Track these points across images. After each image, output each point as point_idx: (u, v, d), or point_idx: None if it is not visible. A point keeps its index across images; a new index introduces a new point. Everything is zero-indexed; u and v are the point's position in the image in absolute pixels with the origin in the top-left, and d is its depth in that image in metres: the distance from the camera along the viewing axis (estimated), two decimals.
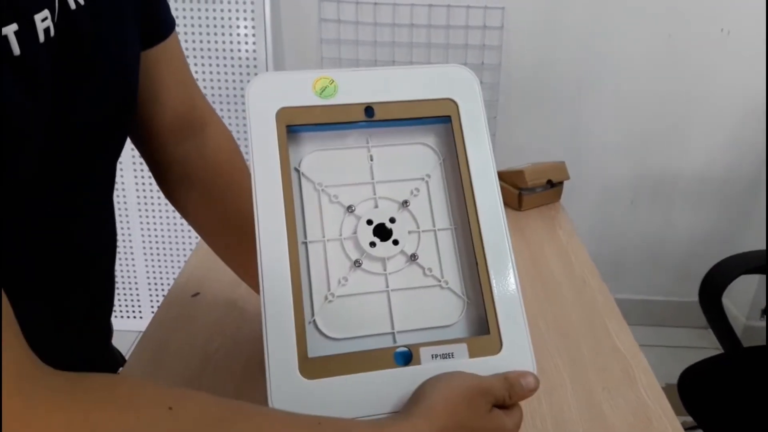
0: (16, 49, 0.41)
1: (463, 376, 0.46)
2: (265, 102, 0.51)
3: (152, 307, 2.00)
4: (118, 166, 0.70)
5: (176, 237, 1.91)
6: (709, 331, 1.29)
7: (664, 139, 1.91)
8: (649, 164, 1.95)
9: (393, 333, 0.49)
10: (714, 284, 1.16)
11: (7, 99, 0.41)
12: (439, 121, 0.54)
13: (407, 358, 0.47)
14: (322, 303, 0.49)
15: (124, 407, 0.36)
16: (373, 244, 0.51)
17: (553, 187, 1.12)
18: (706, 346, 2.00)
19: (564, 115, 1.89)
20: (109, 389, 0.37)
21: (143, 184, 1.80)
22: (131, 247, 1.94)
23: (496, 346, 0.48)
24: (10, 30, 0.41)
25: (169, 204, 0.73)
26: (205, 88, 1.74)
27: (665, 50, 1.79)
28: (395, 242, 0.51)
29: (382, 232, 0.51)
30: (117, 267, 0.71)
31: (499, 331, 0.48)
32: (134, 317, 2.01)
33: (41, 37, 0.44)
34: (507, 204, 1.07)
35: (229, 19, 1.70)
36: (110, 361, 0.74)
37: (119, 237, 1.88)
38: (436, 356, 0.47)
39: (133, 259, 1.95)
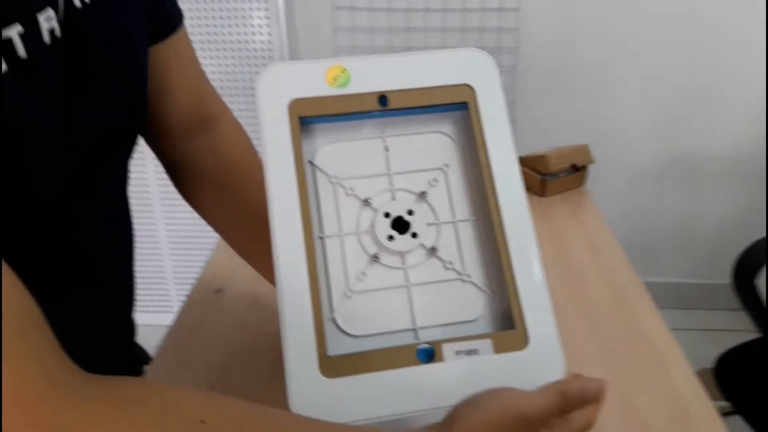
0: (21, 52, 0.40)
1: (503, 397, 0.43)
2: (277, 93, 0.49)
3: (180, 301, 2.01)
4: (141, 160, 0.69)
5: (202, 229, 1.91)
6: (743, 314, 1.25)
7: (691, 119, 1.86)
8: (677, 145, 1.89)
9: (415, 329, 0.47)
10: (747, 267, 1.12)
11: (16, 104, 0.40)
12: (456, 108, 0.52)
13: (430, 355, 0.45)
14: (340, 299, 0.48)
15: (156, 423, 0.35)
16: (391, 238, 0.49)
17: (577, 171, 1.09)
18: (740, 329, 1.95)
19: (586, 97, 1.84)
20: (142, 402, 0.36)
21: (166, 177, 1.79)
22: (156, 242, 1.94)
23: (523, 341, 0.46)
24: (14, 32, 0.40)
25: None
26: (219, 81, 1.73)
27: (690, 26, 1.73)
28: (414, 235, 0.49)
29: (400, 225, 0.50)
30: (142, 262, 0.71)
31: (525, 326, 0.46)
32: (163, 311, 2.02)
33: (46, 38, 0.42)
34: (530, 190, 1.04)
35: (243, 10, 1.69)
36: (134, 359, 0.74)
37: (144, 231, 1.90)
38: (461, 353, 0.46)
39: (158, 254, 1.96)
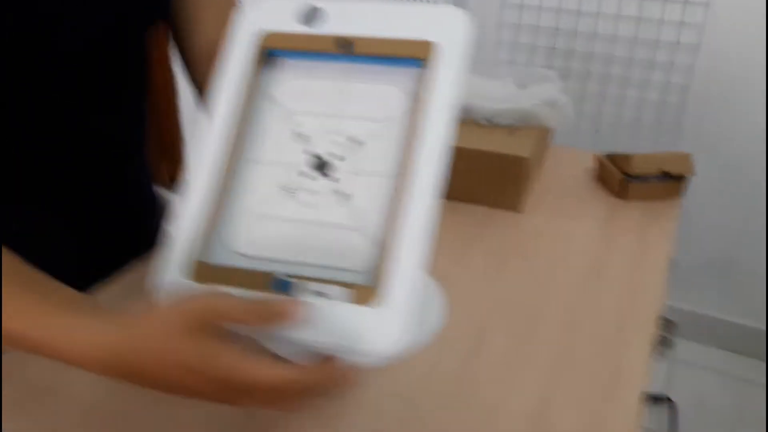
0: None
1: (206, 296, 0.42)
2: (249, 24, 0.53)
3: None
4: None
5: None
6: None
7: None
8: None
9: (291, 262, 0.48)
10: None
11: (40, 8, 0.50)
12: (416, 63, 0.50)
13: (285, 287, 0.46)
14: (240, 216, 0.50)
15: None
16: (310, 177, 0.50)
17: (672, 180, 0.91)
18: None
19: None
20: None
21: None
22: None
23: (376, 299, 0.44)
24: None
25: None
26: None
27: None
28: (330, 179, 0.50)
29: (323, 167, 0.50)
30: None
31: (386, 285, 0.44)
32: None
33: None
34: (609, 189, 0.92)
35: None
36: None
37: None
38: (313, 293, 0.45)
39: None
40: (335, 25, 0.52)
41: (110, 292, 0.69)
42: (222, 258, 0.49)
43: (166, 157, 1.43)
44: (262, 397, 0.40)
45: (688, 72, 1.54)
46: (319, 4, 0.52)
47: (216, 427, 0.54)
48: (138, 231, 0.78)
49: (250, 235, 0.50)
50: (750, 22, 1.47)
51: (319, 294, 0.45)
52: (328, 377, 0.42)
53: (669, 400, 1.60)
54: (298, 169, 0.50)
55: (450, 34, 0.49)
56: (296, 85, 0.54)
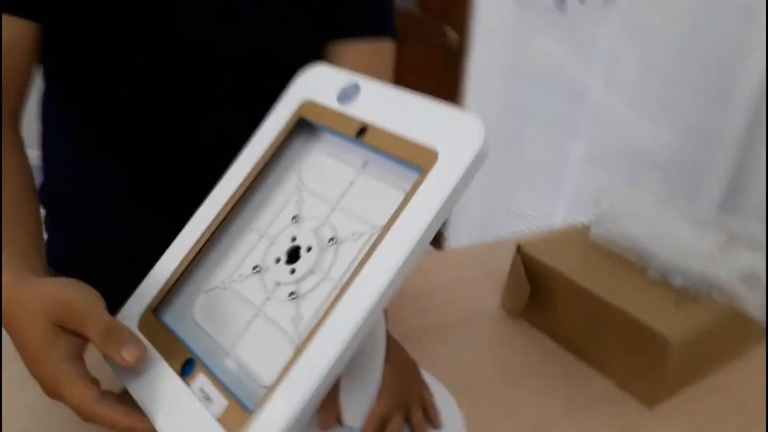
0: None
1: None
2: (300, 90, 0.51)
3: None
4: None
5: None
6: None
7: None
8: None
9: (220, 347, 0.43)
10: None
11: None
12: (416, 170, 0.41)
13: (187, 373, 0.41)
14: (213, 282, 0.47)
15: None
16: (278, 260, 0.45)
17: None
18: None
19: None
20: None
21: None
22: None
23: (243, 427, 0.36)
24: None
25: None
26: None
27: None
28: (292, 271, 0.43)
29: (295, 257, 0.44)
30: None
31: (260, 421, 0.36)
32: None
33: None
34: None
35: None
36: None
37: None
38: (199, 391, 0.39)
39: None
40: (362, 108, 0.46)
41: None
42: (169, 315, 0.46)
43: None
44: (73, 407, 0.42)
45: None
46: (361, 83, 0.47)
47: None
48: None
49: (209, 305, 0.46)
50: None
51: (205, 397, 0.39)
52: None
53: None
54: (278, 253, 0.45)
55: (456, 144, 0.40)
56: (319, 161, 0.49)
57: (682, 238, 0.75)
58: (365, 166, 0.46)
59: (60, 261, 0.71)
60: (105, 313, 0.43)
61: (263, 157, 0.49)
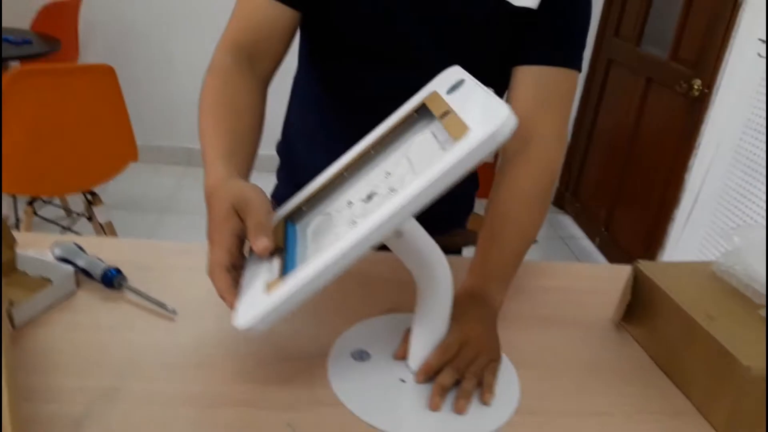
0: None
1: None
2: (434, 84, 0.68)
3: None
4: None
5: None
6: None
7: None
8: None
9: (306, 256, 0.61)
10: None
11: None
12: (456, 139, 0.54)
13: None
14: (328, 209, 0.66)
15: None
16: (361, 200, 0.61)
17: None
18: None
19: None
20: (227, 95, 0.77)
21: None
22: None
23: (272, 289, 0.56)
24: None
25: None
26: None
27: None
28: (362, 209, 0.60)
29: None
30: None
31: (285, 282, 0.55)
32: None
33: None
34: None
35: None
36: None
37: None
38: (267, 271, 0.58)
39: None
40: (455, 99, 0.60)
41: None
42: (298, 224, 0.67)
43: None
44: (209, 261, 0.61)
45: None
46: (466, 80, 0.62)
47: None
48: (446, 207, 1.03)
49: (318, 222, 0.65)
50: None
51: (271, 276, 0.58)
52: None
53: None
54: (362, 195, 0.62)
55: (485, 126, 0.51)
56: (423, 135, 0.64)
57: None
58: (444, 144, 0.60)
59: (281, 201, 0.98)
60: (263, 212, 0.61)
61: (393, 127, 0.66)
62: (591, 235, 3.09)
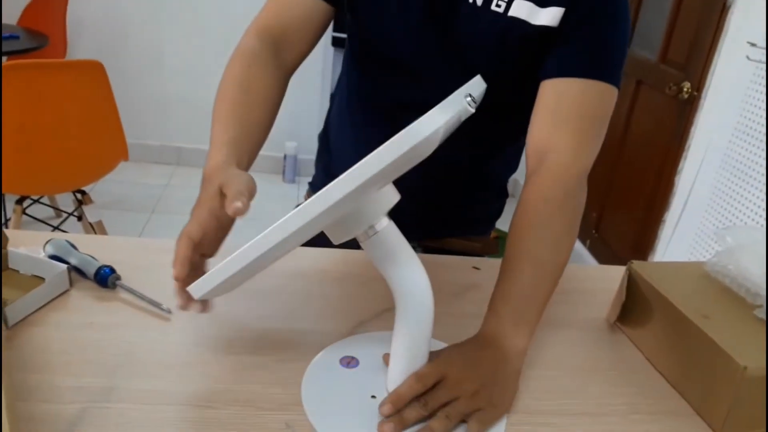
0: None
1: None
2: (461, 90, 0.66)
3: None
4: None
5: None
6: None
7: None
8: None
9: None
10: None
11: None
12: None
13: None
14: None
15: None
16: None
17: None
18: None
19: None
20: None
21: None
22: None
23: None
24: None
25: None
26: None
27: None
28: None
29: None
30: None
31: None
32: None
33: None
34: None
35: None
36: None
37: None
38: None
39: None
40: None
41: None
42: None
43: None
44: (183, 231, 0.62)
45: None
46: (475, 86, 0.61)
47: None
48: (471, 212, 1.04)
49: None
50: None
51: None
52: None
53: None
54: None
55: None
56: None
57: None
58: None
59: (316, 189, 0.99)
60: (243, 185, 0.58)
61: None
62: (582, 238, 3.11)
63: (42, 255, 0.79)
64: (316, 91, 3.34)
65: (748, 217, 1.94)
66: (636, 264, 0.83)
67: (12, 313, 0.69)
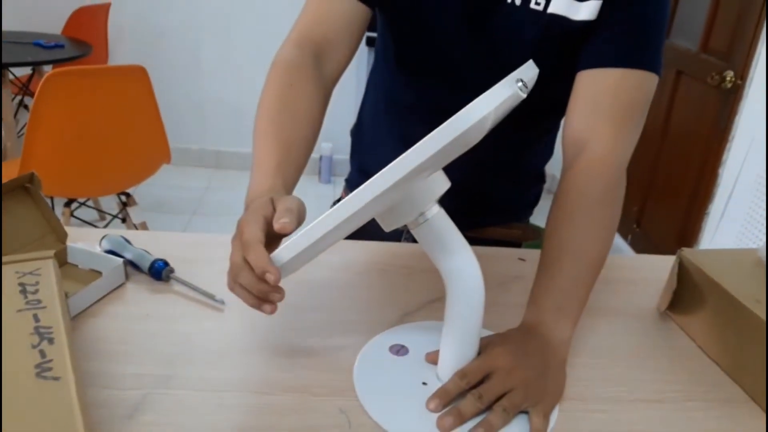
0: None
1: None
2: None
3: None
4: None
5: None
6: None
7: None
8: None
9: None
10: None
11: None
12: None
13: None
14: None
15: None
16: None
17: None
18: None
19: None
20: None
21: None
22: None
23: None
24: None
25: None
26: None
27: None
28: None
29: None
30: None
31: None
32: None
33: None
34: None
35: None
36: None
37: None
38: None
39: None
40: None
41: None
42: None
43: None
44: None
45: None
46: (529, 71, 0.61)
47: None
48: (509, 199, 1.04)
49: None
50: None
51: None
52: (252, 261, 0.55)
53: None
54: None
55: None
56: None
57: None
58: None
59: (352, 187, 1.00)
60: (294, 204, 0.57)
61: None
62: (623, 233, 3.06)
63: (98, 250, 0.82)
64: (351, 92, 3.37)
65: None
66: (686, 251, 0.81)
67: (73, 305, 0.71)
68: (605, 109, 0.77)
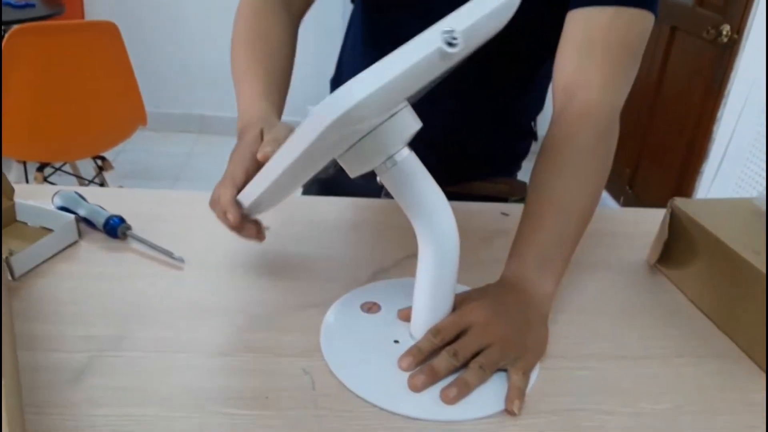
0: None
1: None
2: None
3: None
4: None
5: None
6: None
7: None
8: None
9: None
10: None
11: None
12: None
13: None
14: None
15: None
16: None
17: None
18: None
19: None
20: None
21: None
22: None
23: None
24: None
25: None
26: None
27: None
28: None
29: None
30: None
31: None
32: None
33: None
34: None
35: None
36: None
37: None
38: None
39: None
40: None
41: None
42: None
43: None
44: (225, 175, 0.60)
45: None
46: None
47: None
48: (496, 153, 0.99)
49: None
50: None
51: None
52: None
53: None
54: None
55: None
56: None
57: None
58: None
59: None
60: (283, 133, 0.58)
61: None
62: (615, 194, 3.02)
63: (50, 207, 0.76)
64: (334, 54, 3.27)
65: None
66: (679, 201, 0.76)
67: (18, 263, 0.66)
68: (597, 50, 0.71)
